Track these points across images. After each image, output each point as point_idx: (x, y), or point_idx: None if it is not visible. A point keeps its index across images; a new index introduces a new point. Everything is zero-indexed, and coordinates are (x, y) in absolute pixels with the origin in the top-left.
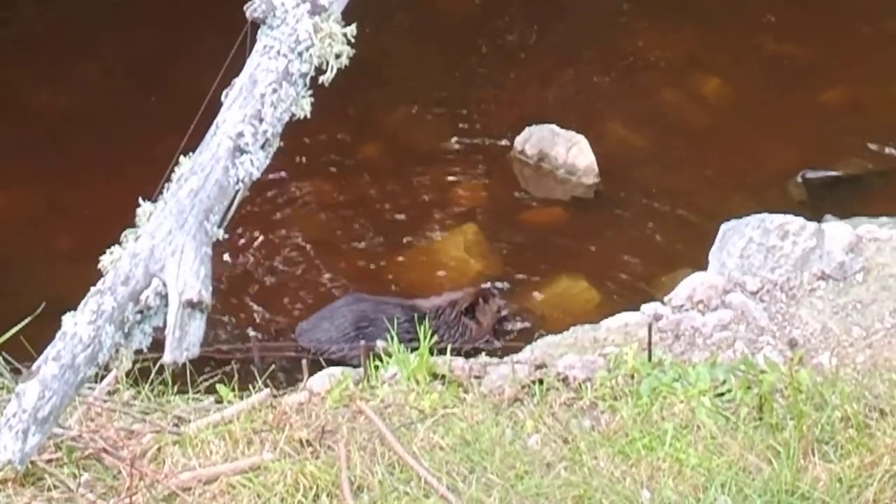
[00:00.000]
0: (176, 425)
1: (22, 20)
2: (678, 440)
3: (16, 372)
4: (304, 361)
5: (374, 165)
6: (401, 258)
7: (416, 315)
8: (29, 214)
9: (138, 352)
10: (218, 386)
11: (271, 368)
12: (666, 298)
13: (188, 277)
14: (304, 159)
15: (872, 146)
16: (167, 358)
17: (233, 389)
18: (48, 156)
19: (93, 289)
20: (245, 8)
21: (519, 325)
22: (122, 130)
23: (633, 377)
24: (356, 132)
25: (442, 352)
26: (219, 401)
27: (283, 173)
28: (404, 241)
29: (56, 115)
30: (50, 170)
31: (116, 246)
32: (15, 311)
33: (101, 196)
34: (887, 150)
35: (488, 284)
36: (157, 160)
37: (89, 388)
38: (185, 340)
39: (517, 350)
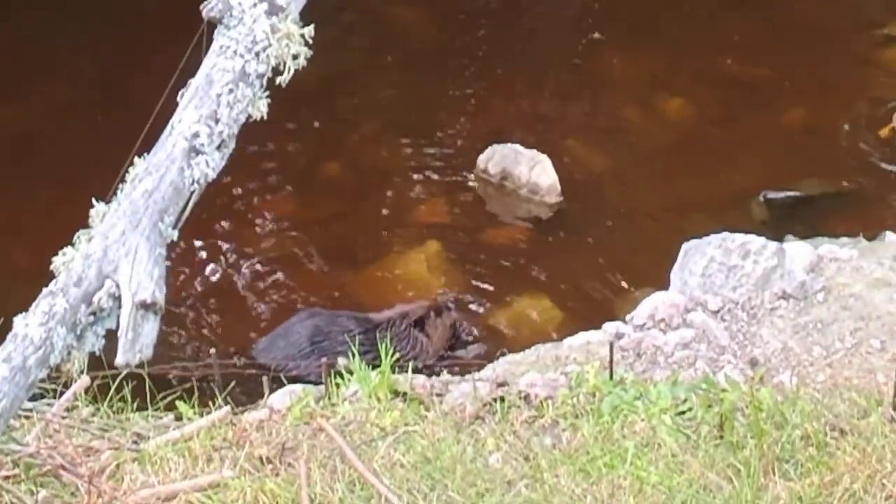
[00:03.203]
0: (135, 442)
1: None
2: (639, 458)
3: None
4: (264, 379)
5: (335, 183)
6: (363, 276)
7: (369, 328)
8: None
9: (98, 367)
10: (177, 403)
11: (231, 386)
12: (628, 317)
13: (142, 278)
14: (264, 177)
15: (833, 167)
16: (120, 360)
17: (192, 406)
18: (6, 172)
19: (44, 290)
20: (201, 7)
21: (475, 343)
22: (82, 147)
23: (594, 395)
24: (318, 150)
25: (403, 369)
26: (178, 418)
27: (243, 190)
28: (366, 259)
29: (15, 132)
30: (8, 186)
31: (69, 247)
32: None
33: (61, 212)
34: (847, 171)
35: (448, 300)
36: (117, 176)
37: (47, 404)
38: (138, 342)
39: (478, 368)
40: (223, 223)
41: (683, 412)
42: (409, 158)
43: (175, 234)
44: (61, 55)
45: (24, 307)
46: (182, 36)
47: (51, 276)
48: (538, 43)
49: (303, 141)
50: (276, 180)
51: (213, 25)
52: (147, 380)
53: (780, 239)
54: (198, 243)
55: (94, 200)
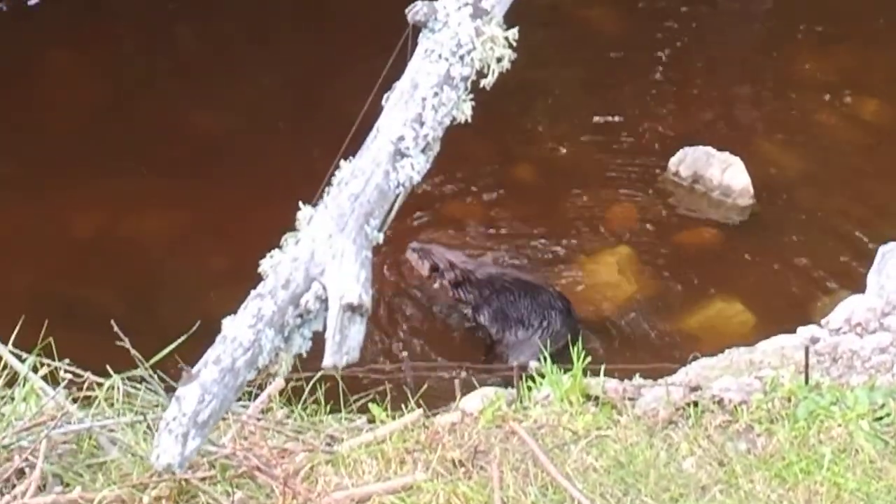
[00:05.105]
0: (329, 444)
1: (179, 45)
2: (836, 464)
3: (170, 390)
4: (456, 381)
5: (526, 187)
6: (554, 279)
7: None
8: (184, 235)
9: (292, 369)
10: (370, 405)
11: (423, 388)
12: (823, 321)
13: (348, 281)
14: (454, 180)
15: None
16: (328, 362)
17: (385, 409)
18: (204, 177)
19: (253, 292)
20: (406, 11)
21: None
22: (277, 151)
23: (789, 400)
24: (508, 153)
25: (595, 373)
26: (371, 420)
27: (434, 194)
28: (557, 262)
29: (212, 138)
30: (205, 191)
31: (276, 250)
32: (170, 331)
33: (256, 217)
34: None
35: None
36: (312, 181)
37: (243, 406)
38: (345, 345)
39: (671, 372)
40: (414, 225)
41: (881, 418)
42: (600, 161)
43: (381, 237)
44: (256, 59)
45: (220, 310)
46: (372, 36)
47: (246, 278)
48: (728, 42)
49: (492, 143)
50: (467, 184)
51: (417, 29)
52: (340, 382)
53: None
54: (390, 245)
55: (300, 203)
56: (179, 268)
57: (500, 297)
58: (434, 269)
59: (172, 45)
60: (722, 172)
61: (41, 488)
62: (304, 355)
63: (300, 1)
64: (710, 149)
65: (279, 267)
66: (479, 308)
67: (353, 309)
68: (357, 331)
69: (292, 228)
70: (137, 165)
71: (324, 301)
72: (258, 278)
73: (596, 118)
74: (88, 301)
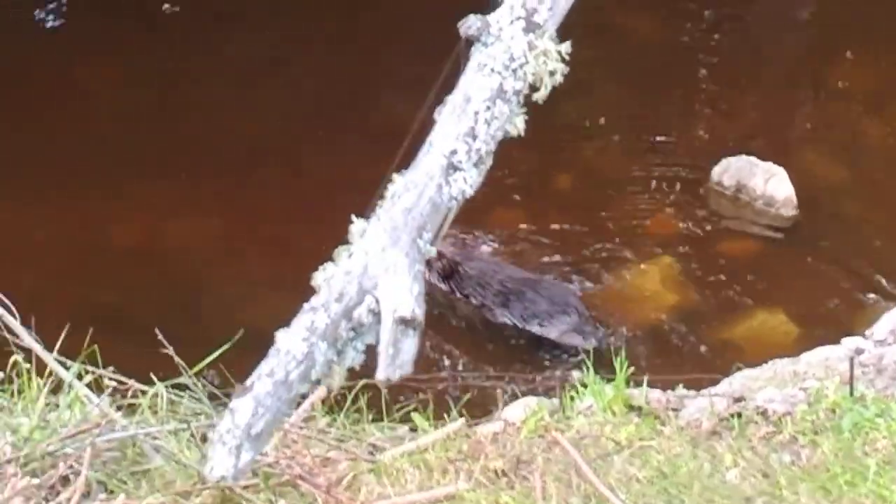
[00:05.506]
0: (371, 453)
1: (223, 51)
2: (881, 476)
3: (213, 398)
4: (498, 391)
5: (566, 196)
6: (595, 290)
7: None
8: (226, 243)
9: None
10: (413, 414)
11: (466, 398)
12: (867, 332)
13: (402, 295)
14: (495, 189)
15: None
16: (381, 375)
17: (427, 418)
18: (245, 184)
19: (305, 305)
20: (459, 25)
21: None
22: (318, 158)
23: (834, 412)
24: (548, 162)
25: (638, 383)
26: (413, 429)
27: (473, 202)
28: (599, 272)
29: (253, 144)
30: (246, 198)
31: (330, 263)
32: (212, 339)
33: (298, 225)
34: None
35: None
36: (354, 189)
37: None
38: (398, 358)
39: (714, 382)
40: (453, 234)
41: None
42: (641, 170)
43: (433, 251)
44: (298, 66)
45: (262, 318)
46: (413, 43)
47: (288, 286)
48: (770, 50)
49: (533, 153)
50: (506, 193)
51: (469, 42)
52: (382, 391)
53: None
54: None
55: (353, 217)
56: (221, 275)
57: (516, 297)
58: None
59: (215, 50)
60: (765, 182)
61: (86, 495)
62: (357, 368)
63: (345, 8)
64: (753, 158)
65: (332, 280)
66: (493, 310)
67: (406, 322)
68: (410, 344)
69: (335, 237)
70: (178, 172)
71: (377, 314)
72: (300, 286)
73: (637, 127)
74: (132, 308)
